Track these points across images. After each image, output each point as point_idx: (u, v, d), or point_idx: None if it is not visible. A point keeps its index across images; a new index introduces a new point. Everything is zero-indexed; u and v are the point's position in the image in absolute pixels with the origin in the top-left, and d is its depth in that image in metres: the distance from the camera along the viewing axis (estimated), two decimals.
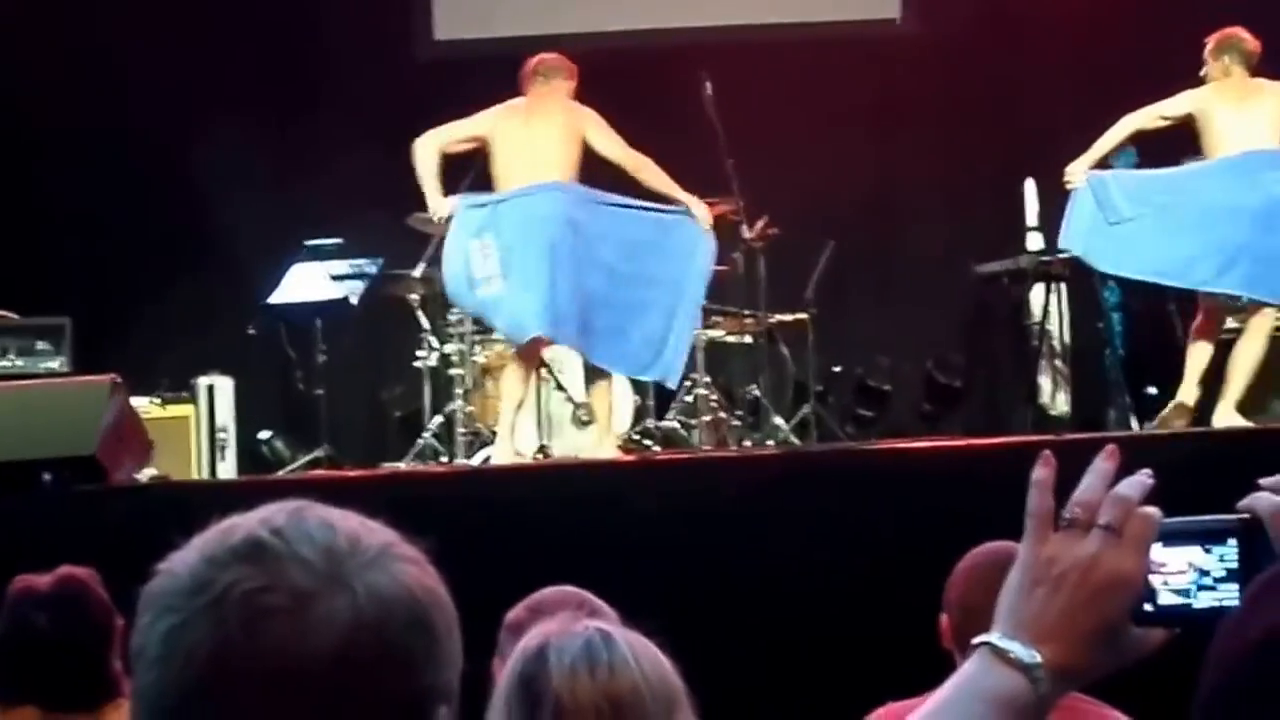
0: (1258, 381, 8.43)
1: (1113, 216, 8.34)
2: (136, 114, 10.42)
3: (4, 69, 10.41)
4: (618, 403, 8.66)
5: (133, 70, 10.37)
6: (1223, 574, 1.50)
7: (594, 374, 8.47)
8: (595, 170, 8.30)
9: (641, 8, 11.33)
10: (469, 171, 8.46)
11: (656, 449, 8.75)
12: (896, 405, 10.46)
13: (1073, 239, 8.54)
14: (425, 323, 9.18)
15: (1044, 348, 9.51)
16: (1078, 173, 8.48)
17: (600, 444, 8.30)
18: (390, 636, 1.26)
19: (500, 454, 8.19)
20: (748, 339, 9.38)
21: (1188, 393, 8.41)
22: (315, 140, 10.48)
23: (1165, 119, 8.55)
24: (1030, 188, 9.69)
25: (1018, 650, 1.46)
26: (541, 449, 8.47)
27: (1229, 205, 8.21)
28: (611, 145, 8.15)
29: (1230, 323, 8.60)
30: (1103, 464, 1.52)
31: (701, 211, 8.17)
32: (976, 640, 1.50)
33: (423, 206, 8.46)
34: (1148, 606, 1.49)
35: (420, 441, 8.85)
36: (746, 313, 9.28)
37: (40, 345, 9.54)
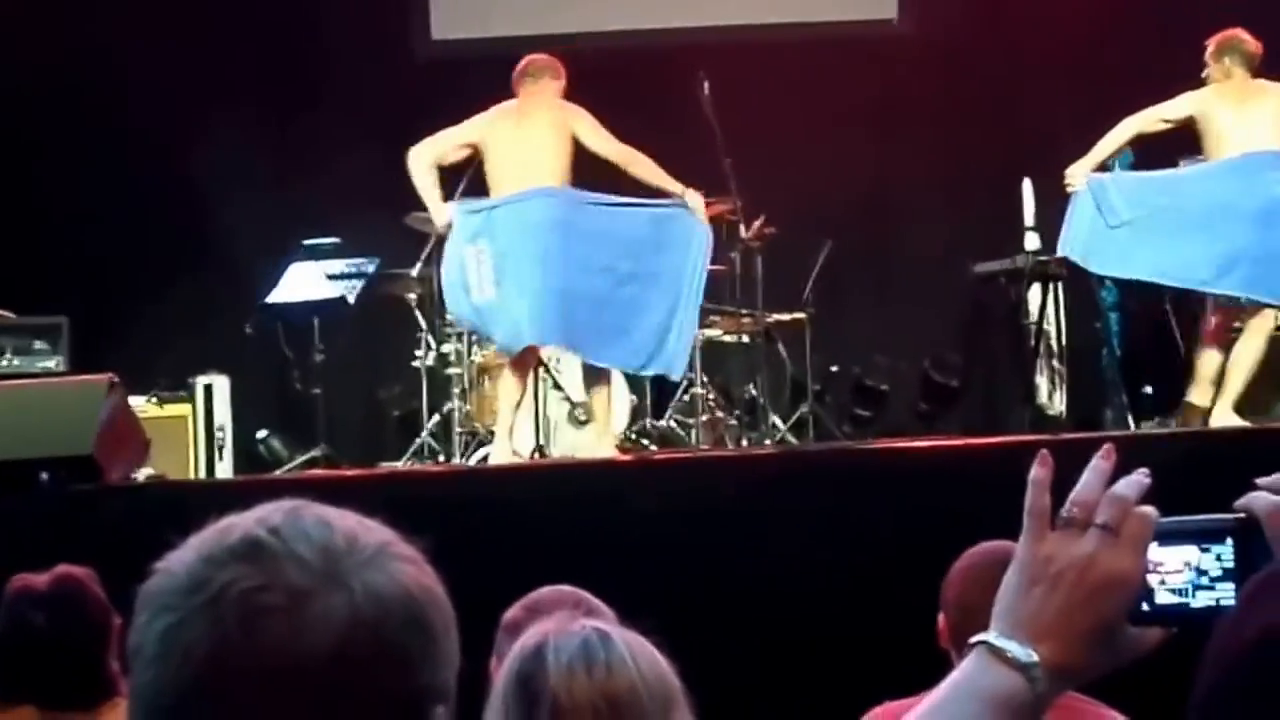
0: (1261, 382, 8.43)
1: (1112, 219, 8.34)
2: (134, 113, 10.41)
3: (4, 69, 10.41)
4: (614, 403, 8.65)
5: (131, 70, 10.36)
6: (1219, 573, 1.50)
7: (593, 374, 8.47)
8: (589, 167, 8.30)
9: (639, 7, 11.34)
10: (463, 177, 8.47)
11: (654, 449, 8.75)
12: (894, 405, 10.46)
13: (1071, 245, 8.53)
14: (423, 322, 9.18)
15: (1041, 347, 9.51)
16: (1078, 175, 8.48)
17: (599, 443, 8.30)
18: (387, 635, 1.26)
19: (498, 453, 8.19)
20: (745, 338, 9.38)
21: (1202, 394, 8.40)
22: (313, 140, 10.47)
23: (1166, 121, 8.54)
24: (1028, 188, 9.68)
25: (1015, 649, 1.46)
26: (539, 448, 8.47)
27: (1229, 207, 8.21)
28: (602, 141, 8.15)
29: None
30: (1100, 463, 1.52)
31: (696, 201, 8.15)
32: (974, 639, 1.50)
33: (421, 206, 8.46)
34: (1145, 606, 1.50)
35: (418, 441, 8.86)
36: (744, 312, 9.28)
37: (37, 344, 9.54)
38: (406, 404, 9.69)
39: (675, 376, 8.46)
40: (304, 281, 9.44)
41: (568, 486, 6.95)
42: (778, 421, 9.13)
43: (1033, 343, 9.50)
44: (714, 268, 8.83)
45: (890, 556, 6.03)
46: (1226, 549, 1.50)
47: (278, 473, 9.15)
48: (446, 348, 9.07)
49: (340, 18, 10.97)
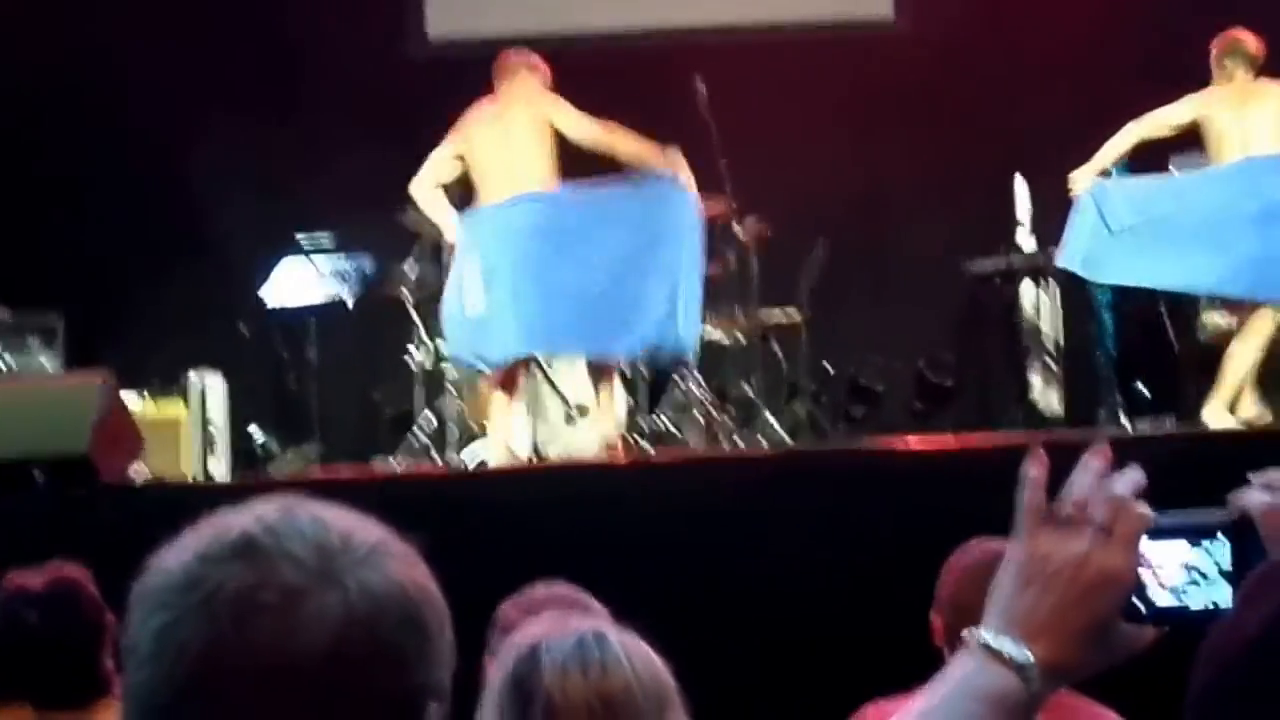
0: (1273, 381, 8.44)
1: (1114, 223, 8.33)
2: (130, 112, 10.40)
3: (4, 69, 10.40)
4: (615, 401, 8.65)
5: (127, 69, 10.36)
6: (1214, 571, 1.50)
7: (596, 372, 8.45)
8: (574, 159, 8.29)
9: (635, 6, 11.34)
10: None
11: (649, 449, 8.74)
12: (888, 404, 10.46)
13: (1071, 257, 8.52)
14: (417, 321, 9.17)
15: (1035, 346, 9.52)
16: (1082, 181, 8.47)
17: (602, 432, 8.28)
18: (382, 634, 1.26)
19: (493, 453, 8.19)
20: (740, 338, 9.38)
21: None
22: (308, 138, 10.47)
23: (1169, 126, 8.55)
24: (1021, 186, 9.69)
25: (1009, 647, 1.46)
26: (534, 448, 8.47)
27: (1230, 211, 8.20)
28: (582, 129, 8.15)
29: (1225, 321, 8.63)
30: (1093, 461, 1.52)
31: (677, 162, 8.09)
32: (967, 637, 1.50)
33: (415, 204, 8.49)
34: (1139, 604, 1.50)
35: (412, 440, 8.85)
36: (739, 312, 9.28)
37: (32, 342, 9.54)
38: (401, 403, 9.67)
39: (689, 354, 8.39)
40: (299, 282, 9.43)
41: (563, 486, 6.96)
42: (772, 421, 9.13)
43: (1027, 342, 9.51)
44: (710, 268, 8.85)
45: (884, 556, 6.03)
46: (1221, 547, 1.50)
47: (272, 472, 9.14)
48: (441, 346, 9.06)
49: (335, 17, 10.96)
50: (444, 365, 8.96)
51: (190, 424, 9.35)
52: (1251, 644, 1.25)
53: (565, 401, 8.76)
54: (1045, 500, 1.51)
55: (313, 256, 9.44)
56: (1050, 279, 9.47)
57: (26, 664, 3.84)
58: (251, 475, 9.11)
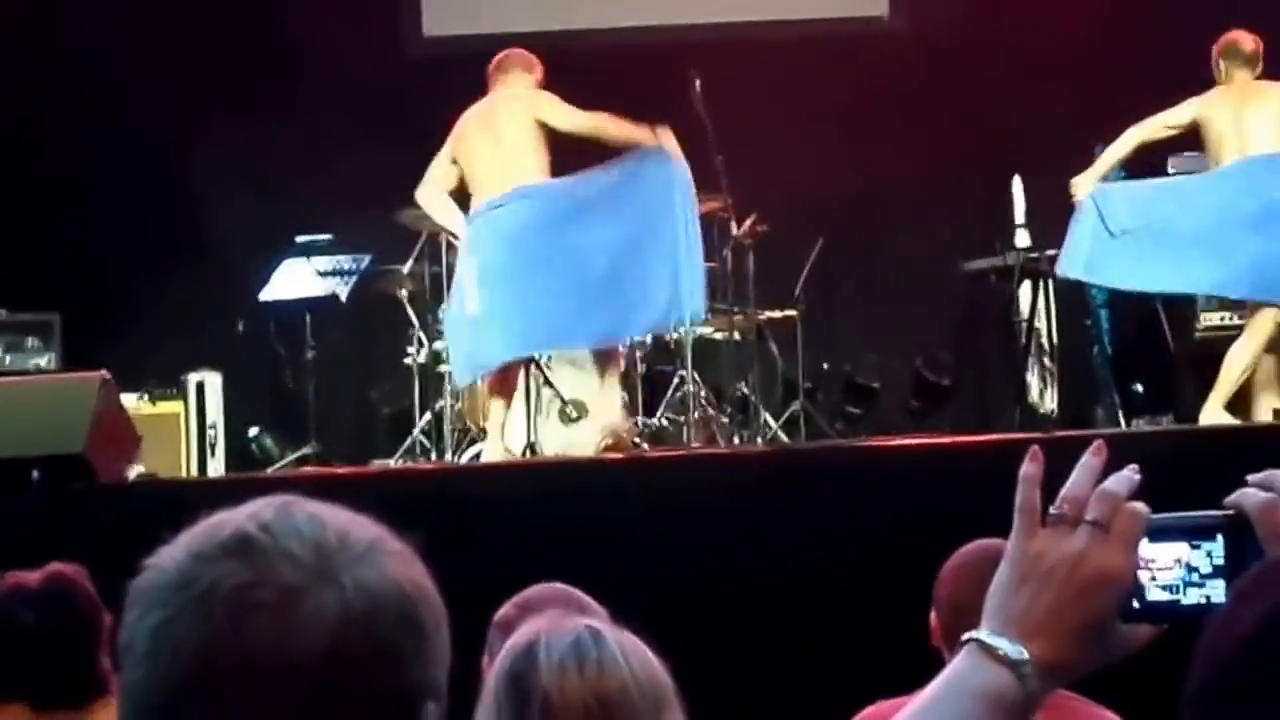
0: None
1: (1115, 226, 8.33)
2: (127, 112, 10.40)
3: (4, 69, 10.40)
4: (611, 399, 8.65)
5: (122, 68, 10.35)
6: (1210, 570, 1.50)
7: (601, 360, 8.45)
8: (567, 150, 8.30)
9: (631, 4, 11.34)
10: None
11: (646, 447, 8.74)
12: (885, 402, 10.47)
13: (1071, 263, 8.51)
14: (415, 319, 9.17)
15: (1032, 345, 9.52)
16: (1084, 186, 8.47)
17: (609, 421, 8.29)
18: (379, 632, 1.26)
19: (490, 451, 8.19)
20: (737, 336, 9.38)
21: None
22: (305, 138, 10.47)
23: (1170, 128, 8.55)
24: (1018, 185, 9.69)
25: (1005, 647, 1.46)
26: (530, 446, 8.47)
27: (1229, 213, 8.19)
28: (566, 118, 8.14)
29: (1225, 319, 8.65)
30: (1090, 460, 1.52)
31: (666, 138, 8.08)
32: (965, 637, 1.50)
33: (413, 203, 8.48)
34: (1135, 603, 1.50)
35: (410, 439, 8.85)
36: (735, 310, 9.28)
37: (30, 341, 9.54)
38: (398, 402, 9.68)
39: (701, 318, 8.36)
40: (296, 278, 9.43)
41: (560, 484, 6.95)
42: (769, 419, 9.14)
43: (1023, 340, 9.51)
44: (706, 266, 8.85)
45: (882, 555, 6.03)
46: (1217, 546, 1.50)
47: (269, 471, 9.14)
48: (438, 345, 9.06)
49: (331, 15, 10.95)
50: (442, 365, 8.96)
51: (188, 423, 9.36)
52: (1246, 642, 1.25)
53: (562, 400, 8.76)
54: (1041, 499, 1.51)
55: (311, 256, 9.44)
56: (1047, 278, 9.47)
57: (23, 663, 3.84)
58: (248, 474, 9.11)
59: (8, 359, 9.48)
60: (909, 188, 10.69)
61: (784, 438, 9.08)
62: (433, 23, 11.43)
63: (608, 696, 2.40)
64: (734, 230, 9.09)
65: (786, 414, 9.36)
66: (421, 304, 9.17)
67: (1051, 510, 1.51)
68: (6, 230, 10.32)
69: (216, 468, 9.44)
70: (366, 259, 9.40)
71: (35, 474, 6.65)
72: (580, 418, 8.60)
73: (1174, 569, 1.51)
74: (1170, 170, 9.13)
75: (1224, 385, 8.28)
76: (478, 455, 8.44)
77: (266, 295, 9.41)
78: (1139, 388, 9.40)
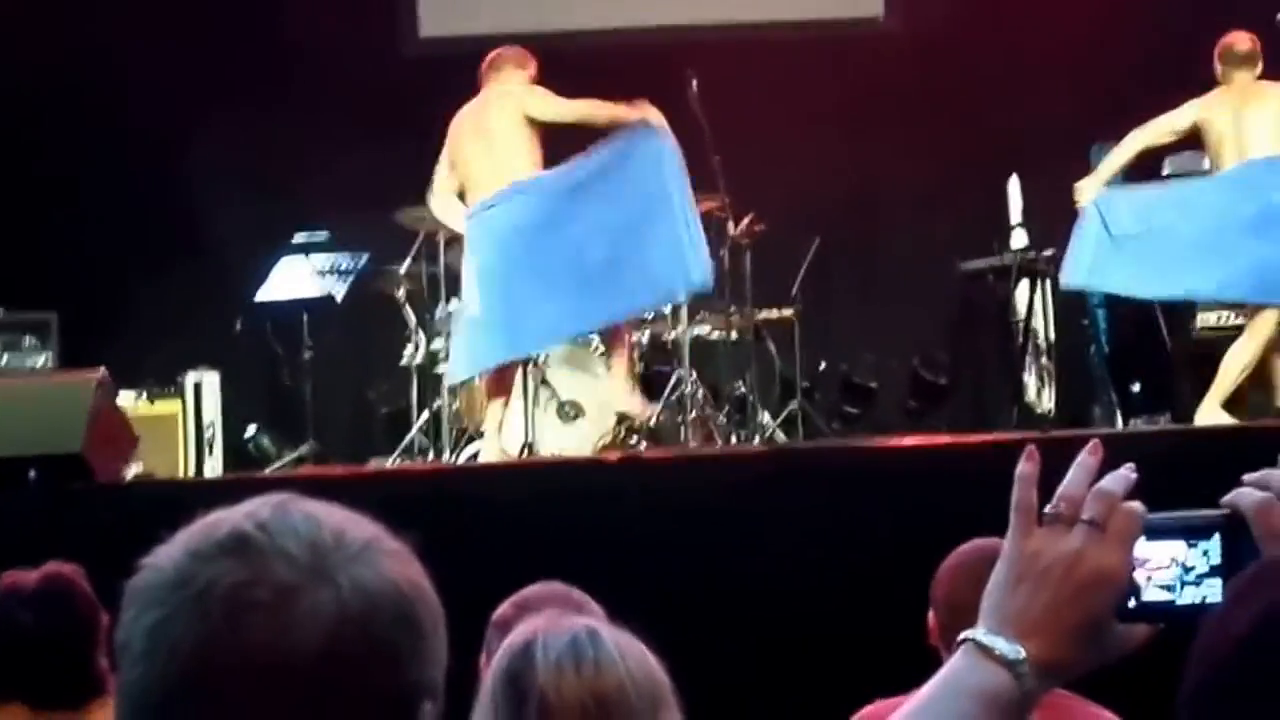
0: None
1: (1117, 229, 8.33)
2: (123, 111, 10.40)
3: (4, 69, 10.39)
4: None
5: (122, 68, 10.35)
6: (1206, 570, 1.50)
7: (608, 341, 8.45)
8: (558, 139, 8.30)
9: (627, 5, 11.34)
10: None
11: (643, 446, 8.74)
12: (882, 402, 10.47)
13: (1075, 272, 8.51)
14: (412, 319, 9.17)
15: (1029, 345, 9.52)
16: (1088, 192, 8.47)
17: (621, 403, 8.29)
18: (375, 631, 1.26)
19: (487, 451, 8.19)
20: (734, 336, 9.38)
21: None
22: (303, 138, 10.47)
23: (1172, 132, 8.56)
24: (1014, 185, 9.70)
25: (1002, 646, 1.46)
26: (528, 446, 8.47)
27: (1229, 216, 8.20)
28: (551, 108, 8.14)
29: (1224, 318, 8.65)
30: (1086, 459, 1.52)
31: (651, 113, 8.06)
32: (961, 636, 1.50)
33: (410, 203, 8.48)
34: (1132, 602, 1.49)
35: (407, 438, 8.85)
36: (732, 309, 9.28)
37: (27, 340, 9.54)
38: (396, 401, 9.68)
39: (707, 286, 8.33)
40: (293, 277, 9.43)
41: (557, 484, 6.95)
42: (767, 419, 9.14)
43: (1021, 340, 9.51)
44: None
45: (879, 554, 6.03)
46: (1213, 545, 1.50)
47: (267, 470, 9.14)
48: (436, 345, 9.06)
49: (328, 16, 10.96)
50: (439, 365, 8.96)
51: (186, 423, 9.36)
52: (1242, 642, 1.26)
53: (560, 400, 8.76)
54: (1037, 498, 1.51)
55: (309, 254, 9.43)
56: (1044, 277, 9.47)
57: (20, 663, 3.84)
58: (246, 474, 9.11)
59: (5, 358, 9.48)
60: (906, 187, 10.69)
61: (781, 437, 9.08)
62: (429, 23, 11.44)
63: (605, 696, 2.40)
64: (731, 230, 9.09)
65: (784, 414, 9.36)
66: (419, 303, 9.17)
67: (1048, 509, 1.51)
68: (4, 229, 10.32)
69: (214, 467, 9.44)
70: (364, 258, 9.40)
71: (32, 473, 6.65)
72: (578, 417, 8.59)
73: (1170, 568, 1.51)
74: (1165, 169, 9.13)
75: (1221, 385, 8.28)
76: (475, 455, 8.44)
77: (264, 295, 9.41)
78: (1136, 387, 9.41)
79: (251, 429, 9.87)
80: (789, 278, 9.71)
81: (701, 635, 5.57)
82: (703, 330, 9.28)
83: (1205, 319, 9.16)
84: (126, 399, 8.49)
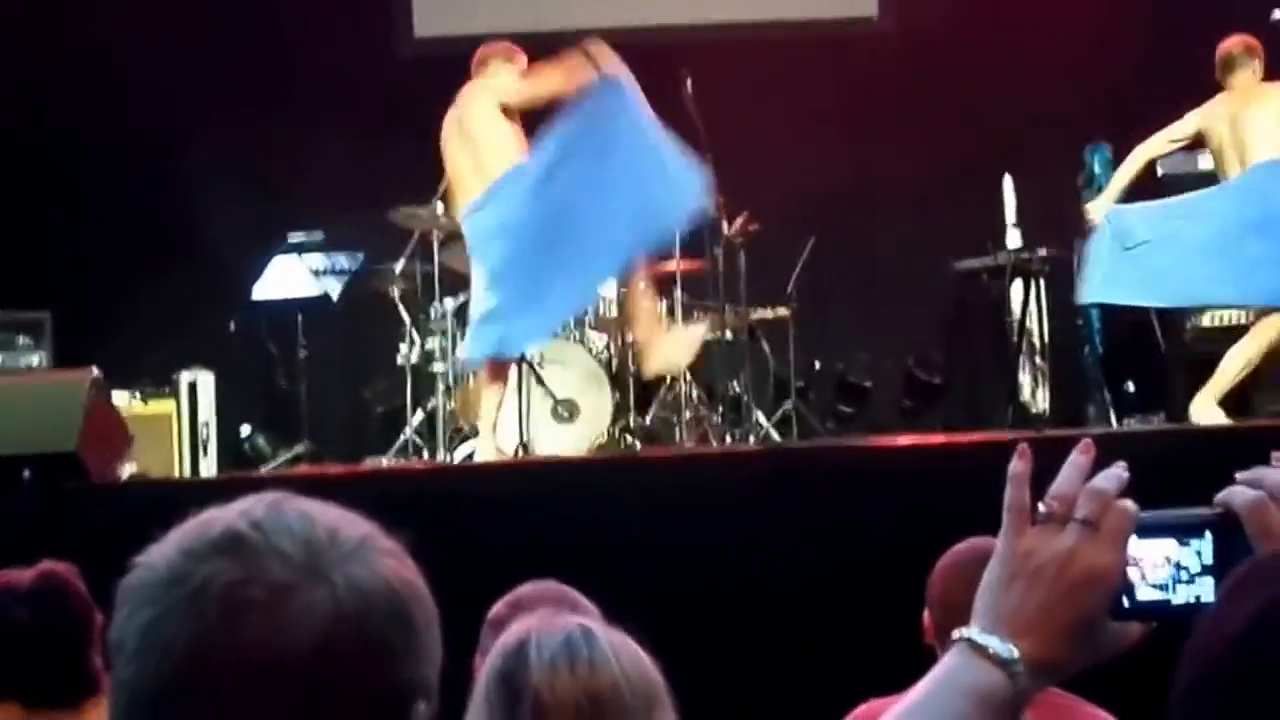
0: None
1: (1129, 241, 8.33)
2: (119, 111, 10.40)
3: (4, 69, 10.39)
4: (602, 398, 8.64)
5: (116, 67, 10.35)
6: (1199, 568, 1.50)
7: (622, 283, 8.43)
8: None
9: (623, 5, 11.34)
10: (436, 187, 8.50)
11: (638, 446, 8.75)
12: (877, 402, 10.47)
13: (1090, 290, 8.51)
14: (407, 318, 9.17)
15: (1023, 344, 9.53)
16: (1099, 209, 8.49)
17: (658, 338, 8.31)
18: (370, 629, 1.26)
19: (483, 450, 8.19)
20: (728, 335, 9.38)
21: None
22: (298, 137, 10.47)
23: (1175, 141, 8.58)
24: (1009, 185, 9.70)
25: (995, 645, 1.46)
26: (522, 445, 8.47)
27: (1233, 221, 8.20)
28: (515, 95, 8.13)
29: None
30: (1078, 458, 1.52)
31: (601, 57, 7.98)
32: (955, 635, 1.50)
33: (408, 202, 8.47)
34: (1125, 601, 1.50)
35: (402, 438, 8.85)
36: (727, 309, 9.28)
37: (21, 339, 9.53)
38: (390, 400, 9.67)
39: (707, 208, 8.27)
40: (288, 277, 9.42)
41: (552, 483, 6.95)
42: (761, 418, 9.14)
43: (1015, 340, 9.52)
44: (698, 264, 8.87)
45: (874, 553, 6.03)
46: (1206, 544, 1.51)
47: (262, 470, 9.14)
48: (431, 344, 9.06)
49: (323, 16, 10.96)
50: (434, 364, 8.96)
51: (180, 423, 9.35)
52: (1236, 641, 1.26)
53: (555, 399, 8.76)
54: (1030, 497, 1.51)
55: (303, 253, 9.43)
56: (1038, 277, 9.48)
57: (14, 662, 3.84)
58: (241, 473, 9.11)
59: None
60: (900, 187, 10.70)
61: (776, 437, 9.08)
62: (423, 23, 11.44)
63: (599, 695, 2.40)
64: (725, 229, 9.09)
65: (778, 413, 9.37)
66: (414, 303, 9.17)
67: (1040, 508, 1.51)
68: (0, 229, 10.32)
69: (209, 467, 9.43)
70: (359, 257, 9.40)
71: (27, 472, 6.64)
72: (573, 417, 8.59)
73: (1163, 567, 1.51)
74: (1159, 169, 9.14)
75: (1219, 382, 8.29)
76: (470, 454, 8.44)
77: (259, 293, 9.40)
78: (1130, 387, 9.41)
79: (246, 428, 9.87)
80: (784, 277, 9.71)
81: (696, 634, 5.57)
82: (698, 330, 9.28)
83: (1199, 319, 9.17)
84: (121, 399, 8.48)
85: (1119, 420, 9.07)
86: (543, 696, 2.39)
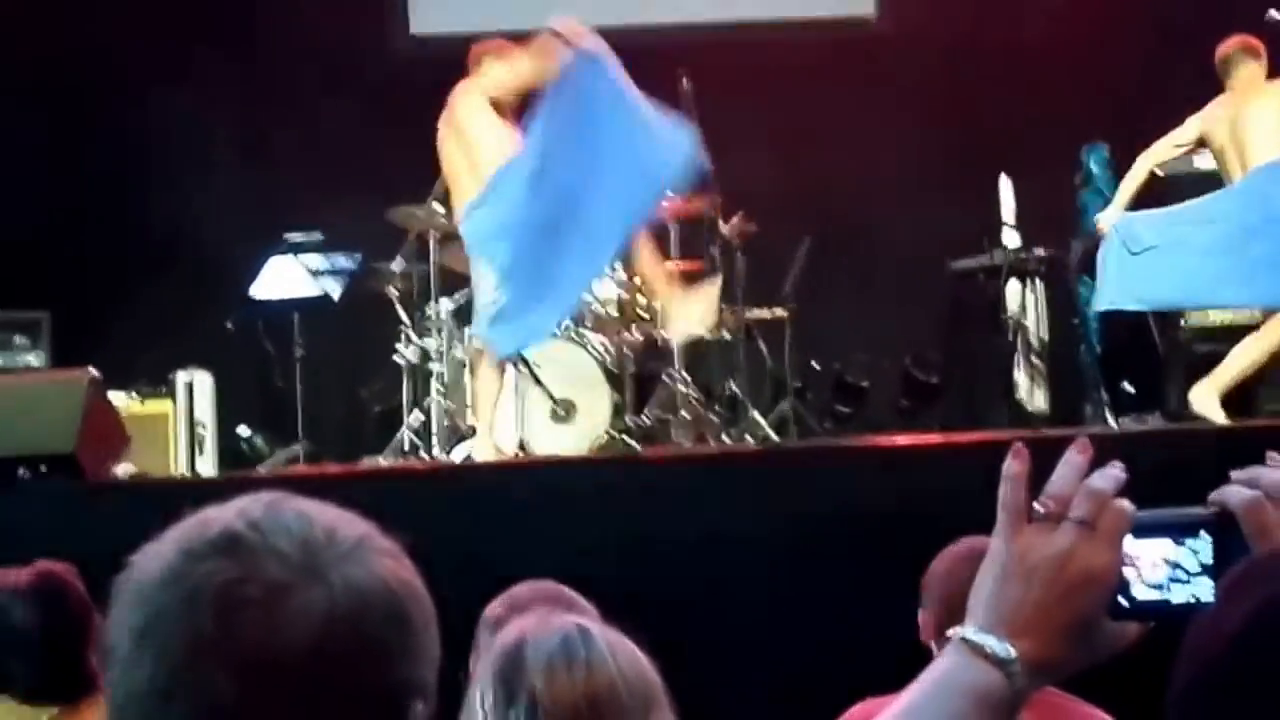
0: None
1: (1136, 246, 8.34)
2: (118, 111, 10.39)
3: (4, 69, 10.39)
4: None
5: (112, 66, 10.34)
6: (1196, 568, 1.50)
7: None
8: None
9: (620, 4, 11.33)
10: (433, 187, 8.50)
11: (635, 445, 8.74)
12: (874, 401, 10.47)
13: (1103, 297, 8.51)
14: (404, 317, 9.17)
15: (1020, 344, 9.53)
16: (1109, 219, 8.51)
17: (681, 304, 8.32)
18: (366, 629, 1.26)
19: (480, 450, 8.18)
20: (725, 335, 9.37)
21: None
22: (294, 135, 10.46)
23: (1178, 147, 8.60)
24: (1005, 185, 9.70)
25: (992, 644, 1.46)
26: (520, 445, 8.46)
27: (1236, 222, 8.20)
28: (500, 84, 8.15)
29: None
30: (1074, 457, 1.51)
31: (570, 34, 7.92)
32: (951, 634, 1.50)
33: (406, 201, 8.46)
34: (1122, 600, 1.49)
35: (399, 437, 8.84)
36: (724, 309, 9.27)
37: (18, 339, 9.52)
38: (388, 400, 9.67)
39: (700, 165, 8.23)
40: (285, 277, 9.42)
41: (549, 483, 6.95)
42: (759, 418, 9.13)
43: (1012, 339, 9.52)
44: (696, 263, 8.86)
45: (871, 553, 6.03)
46: (1203, 543, 1.50)
47: (259, 469, 9.13)
48: (428, 343, 9.04)
49: (321, 14, 10.95)
50: (431, 363, 8.96)
51: (178, 422, 9.35)
52: (1233, 640, 1.26)
53: (552, 399, 8.75)
54: (1026, 496, 1.51)
55: (300, 254, 9.43)
56: (1035, 276, 9.48)
57: (13, 661, 3.84)
58: (238, 473, 9.10)
59: None
60: (896, 187, 10.70)
61: (774, 437, 9.07)
62: (420, 21, 11.44)
63: (596, 695, 2.39)
64: (722, 229, 9.09)
65: (776, 413, 9.36)
66: (410, 302, 9.16)
67: (1036, 507, 1.50)
68: None
69: (206, 467, 9.42)
70: (357, 257, 9.39)
71: (24, 472, 6.64)
72: (570, 417, 8.58)
73: (1160, 567, 1.51)
74: (1159, 172, 9.14)
75: (1222, 375, 8.29)
76: (468, 453, 8.43)
77: (256, 293, 9.40)
78: (1127, 386, 9.41)
79: (244, 428, 9.86)
80: (780, 277, 9.71)
81: (693, 634, 5.57)
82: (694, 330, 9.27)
83: (1195, 318, 9.17)
84: (118, 398, 8.47)
85: (1116, 420, 9.07)
86: (540, 697, 2.39)
